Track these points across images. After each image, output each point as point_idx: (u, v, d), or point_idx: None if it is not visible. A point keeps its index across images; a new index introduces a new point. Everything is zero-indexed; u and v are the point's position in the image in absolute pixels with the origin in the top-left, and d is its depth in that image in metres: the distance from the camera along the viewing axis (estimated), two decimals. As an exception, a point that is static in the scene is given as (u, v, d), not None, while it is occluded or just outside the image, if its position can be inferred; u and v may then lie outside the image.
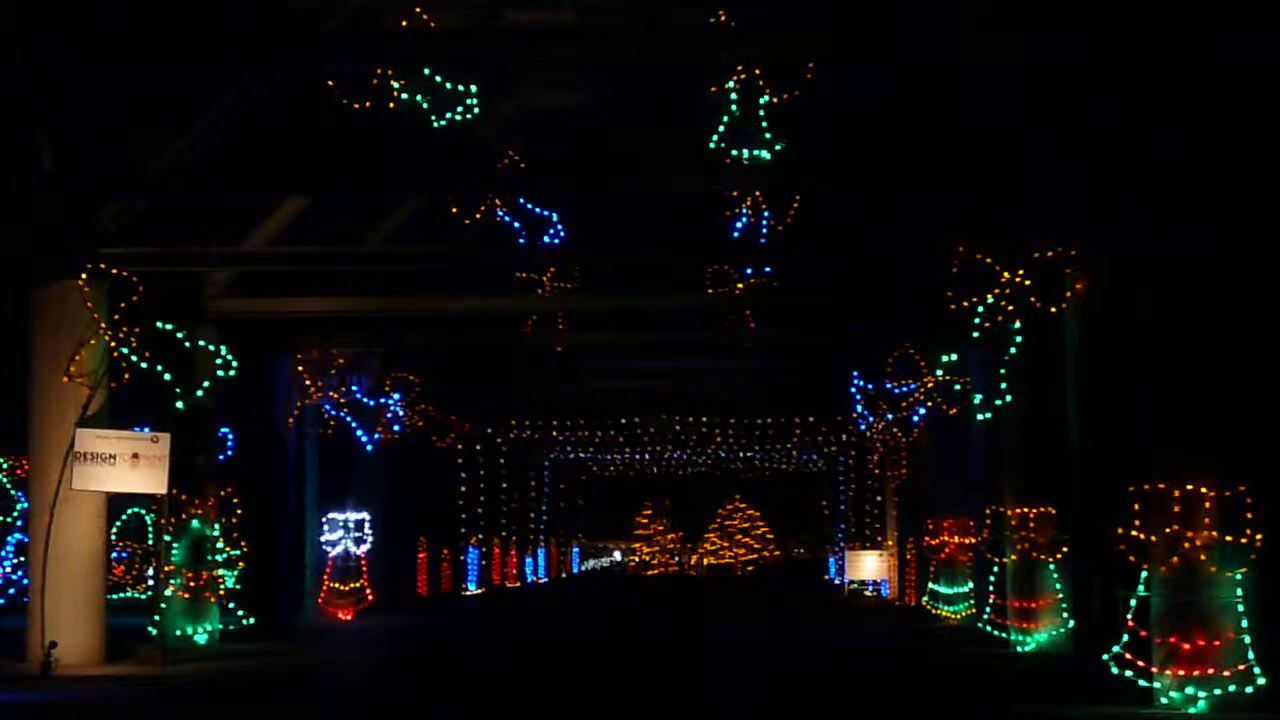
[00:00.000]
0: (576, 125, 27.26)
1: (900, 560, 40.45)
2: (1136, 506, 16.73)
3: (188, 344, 22.50)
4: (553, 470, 68.33)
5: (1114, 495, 18.48)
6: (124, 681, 20.11)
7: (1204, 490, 16.33)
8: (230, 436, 26.75)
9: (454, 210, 28.09)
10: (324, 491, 33.94)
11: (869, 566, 44.28)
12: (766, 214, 26.83)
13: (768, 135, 20.98)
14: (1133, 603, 17.01)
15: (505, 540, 56.69)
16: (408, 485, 38.67)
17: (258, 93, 21.72)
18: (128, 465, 21.57)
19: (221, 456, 26.62)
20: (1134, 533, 16.74)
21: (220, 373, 23.36)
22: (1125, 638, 17.04)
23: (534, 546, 64.69)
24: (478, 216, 28.00)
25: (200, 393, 22.90)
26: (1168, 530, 16.41)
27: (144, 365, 21.83)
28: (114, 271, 21.61)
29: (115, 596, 36.51)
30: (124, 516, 37.77)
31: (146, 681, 20.19)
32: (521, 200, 28.09)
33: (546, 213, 28.29)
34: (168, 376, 22.15)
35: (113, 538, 38.36)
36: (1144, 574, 16.76)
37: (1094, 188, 19.38)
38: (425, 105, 21.23)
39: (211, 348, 23.44)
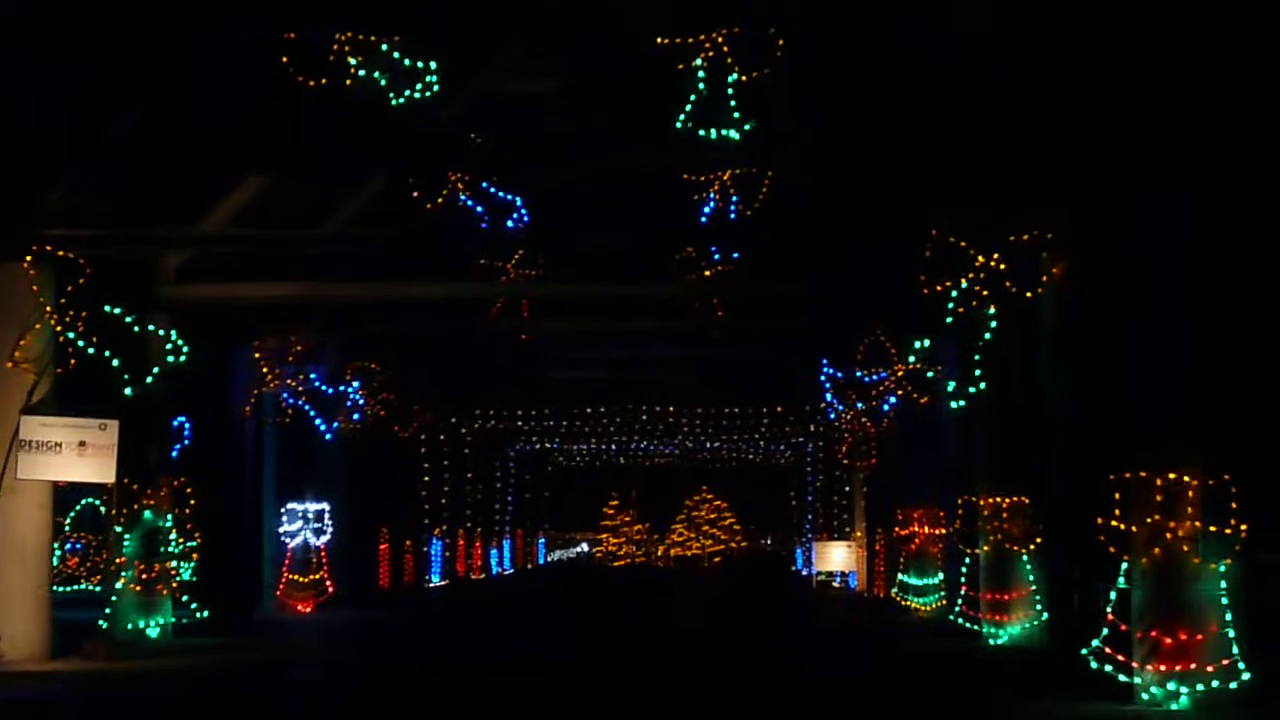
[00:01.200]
0: (541, 109, 26.59)
1: (869, 551, 40.08)
2: (1117, 496, 16.23)
3: (136, 329, 21.72)
4: (518, 461, 67.77)
5: (1093, 485, 18.01)
6: (68, 678, 19.43)
7: (1187, 479, 15.87)
8: (187, 426, 26.08)
9: (415, 194, 27.34)
10: (283, 482, 33.26)
11: (837, 558, 43.98)
12: (735, 198, 26.24)
13: (736, 115, 20.32)
14: (1113, 595, 16.51)
15: (470, 531, 56.12)
16: (369, 476, 37.98)
17: (215, 66, 21.01)
18: (74, 454, 20.94)
19: (178, 446, 25.96)
20: (1114, 523, 16.25)
21: (170, 359, 22.60)
22: (1105, 631, 16.54)
23: (499, 538, 64.18)
24: (439, 201, 27.25)
25: (150, 380, 22.09)
26: (1149, 521, 15.94)
27: (91, 351, 21.10)
28: (60, 254, 20.90)
29: (68, 589, 35.99)
30: (78, 507, 37.05)
31: (92, 677, 19.53)
32: (484, 185, 27.39)
33: (510, 197, 27.59)
34: (115, 363, 21.41)
35: (66, 528, 37.81)
36: (1125, 566, 16.26)
37: (1072, 164, 18.86)
38: (383, 82, 20.49)
39: (161, 333, 22.67)
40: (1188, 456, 15.95)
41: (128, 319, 21.63)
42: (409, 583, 44.30)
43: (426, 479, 47.18)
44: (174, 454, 25.79)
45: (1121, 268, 17.39)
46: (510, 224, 27.50)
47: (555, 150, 23.32)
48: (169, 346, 22.69)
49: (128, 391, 21.80)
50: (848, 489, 45.16)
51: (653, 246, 27.06)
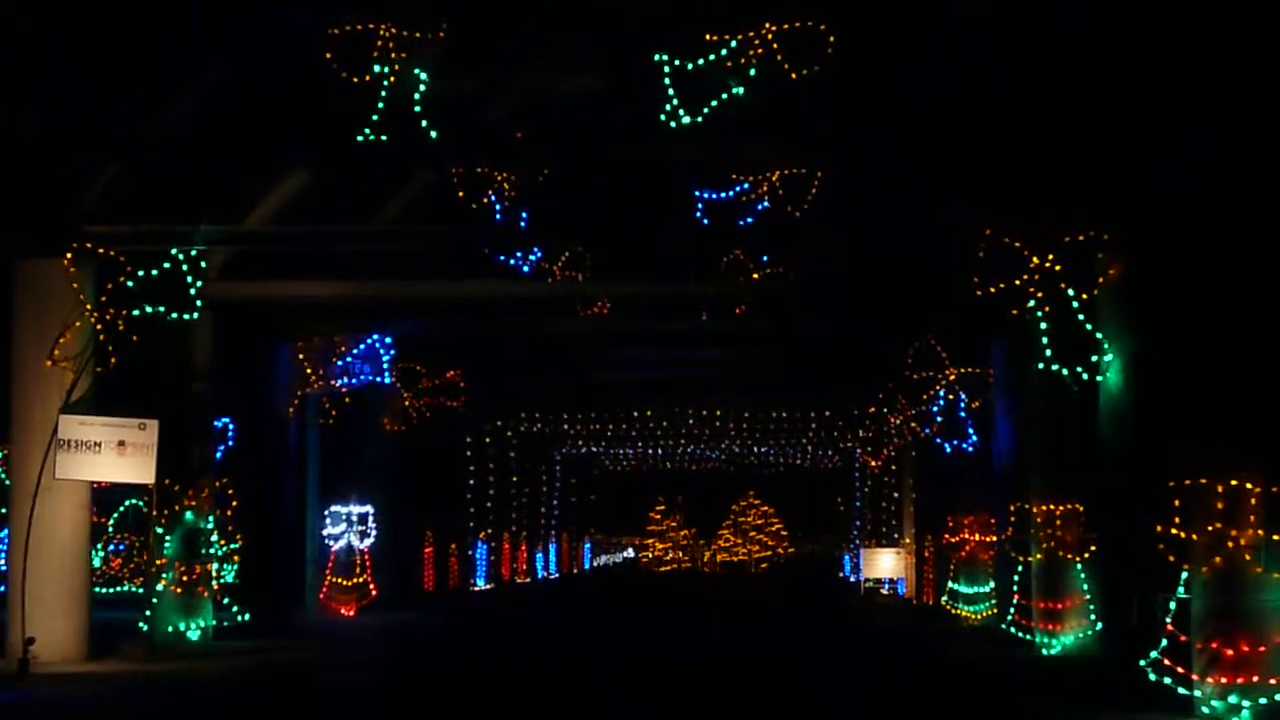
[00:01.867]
0: (585, 108, 26.25)
1: (918, 558, 39.60)
2: (1177, 503, 15.76)
3: (177, 328, 21.44)
4: (564, 464, 67.46)
5: (1150, 491, 17.54)
6: (105, 680, 19.21)
7: (1249, 486, 15.41)
8: (231, 427, 25.93)
9: (460, 194, 27.03)
10: (327, 484, 33.01)
11: (886, 565, 43.46)
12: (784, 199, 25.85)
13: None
14: (1172, 605, 16.03)
15: (515, 535, 55.84)
16: (414, 478, 37.72)
17: (256, 61, 20.78)
18: (114, 453, 20.71)
19: (222, 448, 25.80)
20: (1174, 531, 15.76)
21: (212, 359, 22.34)
22: (1164, 642, 16.06)
23: (545, 542, 63.87)
24: (485, 200, 26.95)
25: (191, 379, 21.82)
26: (1210, 529, 15.48)
27: (131, 349, 20.86)
28: (100, 251, 20.68)
29: (111, 590, 35.87)
30: (122, 508, 36.90)
31: (129, 680, 19.31)
32: (526, 185, 27.06)
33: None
34: (155, 361, 21.16)
35: (110, 530, 37.69)
36: (1184, 575, 15.78)
37: (1125, 164, 18.44)
38: (425, 78, 20.21)
39: (200, 332, 22.39)
40: (1249, 462, 15.47)
41: (170, 317, 21.33)
42: (454, 586, 44.04)
43: (472, 482, 46.88)
44: (218, 455, 25.69)
45: (1177, 269, 16.94)
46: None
47: (595, 149, 22.86)
48: (210, 345, 22.37)
49: (167, 391, 21.50)
50: (896, 494, 44.67)
51: (701, 248, 26.65)
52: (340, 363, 29.48)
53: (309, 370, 29.01)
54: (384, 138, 20.27)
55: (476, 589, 47.11)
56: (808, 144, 21.48)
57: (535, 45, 23.41)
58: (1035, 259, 20.01)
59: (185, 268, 22.07)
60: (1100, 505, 21.33)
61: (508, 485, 53.28)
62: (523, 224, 25.75)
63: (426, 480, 39.65)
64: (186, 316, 21.59)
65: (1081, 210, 20.11)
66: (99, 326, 20.76)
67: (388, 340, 30.94)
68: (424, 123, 20.42)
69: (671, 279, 27.26)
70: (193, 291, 21.37)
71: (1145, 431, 19.20)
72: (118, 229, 21.08)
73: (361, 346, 30.30)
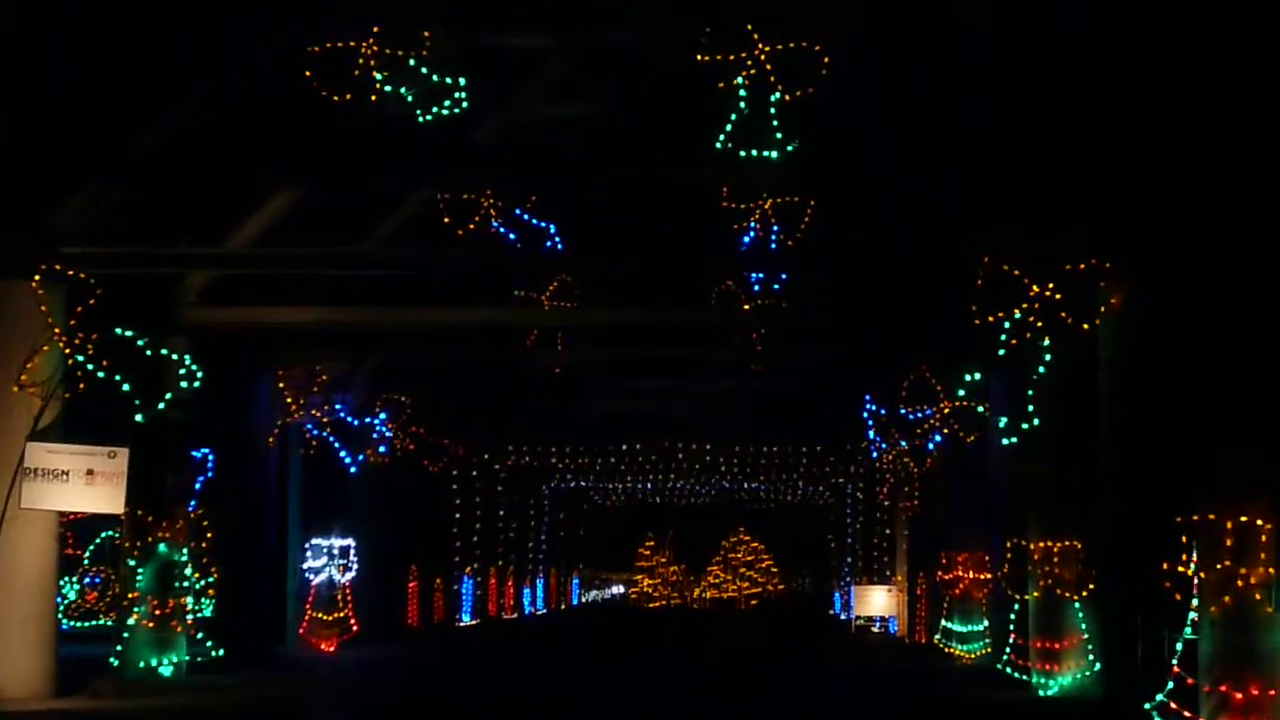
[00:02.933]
0: (578, 131, 25.74)
1: (910, 596, 39.01)
2: (1185, 539, 15.17)
3: (150, 353, 20.79)
4: (552, 499, 66.83)
5: (1154, 527, 16.97)
6: (70, 717, 18.49)
7: (1260, 522, 14.84)
8: (211, 458, 25.29)
9: (446, 220, 26.49)
10: (309, 516, 32.32)
11: (877, 602, 42.92)
12: (776, 228, 25.36)
13: (779, 135, 19.41)
14: (1179, 646, 15.41)
15: (502, 570, 55.17)
16: (398, 511, 37.10)
17: (237, 79, 20.23)
18: (82, 482, 20.06)
19: (201, 478, 25.14)
20: (1181, 568, 15.17)
21: (184, 384, 21.70)
22: (1170, 684, 15.44)
23: (532, 577, 63.21)
24: (471, 226, 26.42)
25: (162, 405, 21.15)
26: (1219, 566, 14.92)
27: (101, 375, 20.21)
28: (71, 273, 20.05)
29: (87, 625, 35.11)
30: (98, 540, 36.20)
31: (95, 717, 18.57)
32: (517, 211, 26.54)
33: (544, 224, 26.75)
34: (127, 387, 20.50)
35: (85, 562, 37.01)
36: (1192, 614, 15.17)
37: (1132, 190, 17.95)
38: (410, 98, 19.67)
39: (175, 357, 21.75)
40: (1260, 498, 14.90)
41: (140, 341, 20.68)
42: (438, 621, 43.39)
43: (458, 515, 46.24)
44: (197, 485, 25.06)
45: (1183, 297, 16.43)
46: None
47: (592, 170, 22.37)
48: (183, 371, 21.74)
49: (139, 418, 20.85)
50: (888, 531, 44.10)
51: (692, 276, 26.14)
52: (321, 392, 28.80)
53: (290, 399, 28.37)
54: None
55: (461, 624, 46.42)
56: (806, 166, 20.95)
57: (528, 68, 22.90)
58: (1035, 287, 19.46)
59: (162, 291, 21.50)
60: (1101, 542, 20.72)
61: (495, 519, 52.65)
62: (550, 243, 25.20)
63: (411, 513, 39.02)
64: (164, 350, 20.96)
65: (1081, 238, 19.60)
66: (68, 351, 20.10)
67: (369, 369, 30.29)
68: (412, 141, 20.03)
69: (661, 306, 26.64)
70: (163, 314, 20.68)
71: (1150, 465, 18.64)
72: (90, 250, 20.45)
73: (343, 375, 29.63)
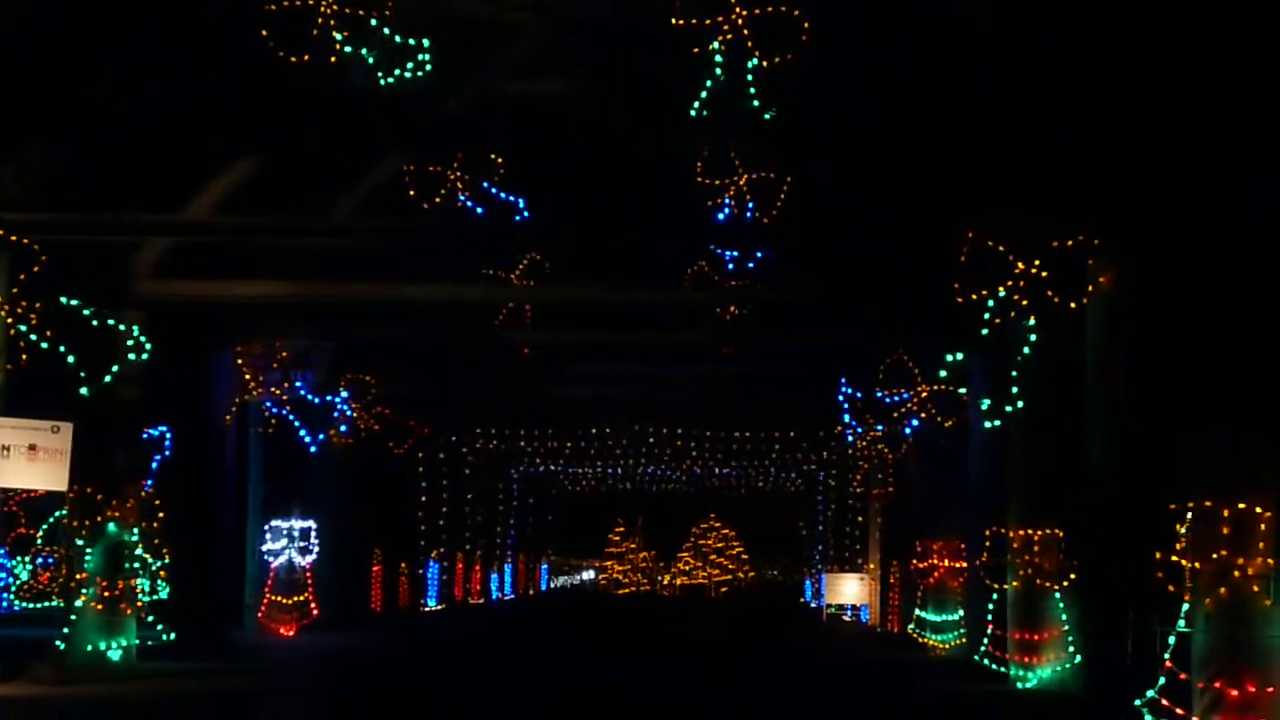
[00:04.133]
0: (549, 104, 24.95)
1: (883, 584, 38.38)
2: (1179, 528, 14.44)
3: (97, 324, 19.91)
4: (521, 483, 66.06)
5: (1141, 515, 16.26)
6: (5, 703, 17.62)
7: (1259, 510, 14.13)
8: (169, 436, 24.54)
9: (412, 193, 25.66)
10: (269, 497, 31.47)
11: (849, 590, 42.36)
12: (750, 204, 24.63)
13: (756, 103, 18.62)
14: (1171, 639, 14.68)
15: (469, 555, 54.38)
16: (362, 493, 36.27)
17: (192, 34, 19.38)
18: (23, 458, 19.26)
19: (158, 457, 24.37)
20: (1174, 558, 14.44)
21: (132, 357, 20.82)
22: (1162, 680, 14.71)
23: (500, 562, 62.47)
24: (437, 200, 25.59)
25: (109, 379, 20.28)
26: (1215, 556, 14.18)
27: (45, 346, 19.32)
28: (14, 239, 19.16)
29: (39, 606, 34.25)
30: (52, 519, 35.24)
31: (31, 704, 17.80)
32: (485, 184, 25.72)
33: (512, 198, 25.94)
34: (71, 360, 19.62)
35: (38, 541, 36.14)
36: (1185, 606, 14.44)
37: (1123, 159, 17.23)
38: (371, 60, 18.81)
39: (123, 328, 20.87)
40: (1260, 485, 14.17)
41: (86, 312, 19.79)
42: (403, 606, 42.61)
43: (424, 499, 45.44)
44: (154, 464, 24.29)
45: (1178, 276, 15.72)
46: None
47: (561, 139, 21.59)
48: (131, 343, 20.85)
49: (84, 391, 19.97)
50: (861, 519, 43.51)
51: (664, 253, 25.37)
52: (281, 369, 27.94)
53: (248, 376, 27.53)
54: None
55: (427, 609, 45.66)
56: (776, 138, 20.18)
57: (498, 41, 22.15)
58: (1021, 264, 18.72)
59: (113, 262, 20.65)
60: (1085, 530, 20.00)
61: (462, 503, 51.85)
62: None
63: (375, 496, 38.22)
64: (111, 321, 20.08)
65: (1068, 213, 18.86)
66: (9, 320, 19.23)
67: (331, 346, 29.43)
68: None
69: (633, 284, 25.87)
70: (113, 284, 19.81)
71: (1139, 451, 17.93)
72: (34, 216, 19.56)
73: (304, 353, 28.77)
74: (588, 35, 22.29)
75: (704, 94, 18.90)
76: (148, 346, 21.17)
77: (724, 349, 31.25)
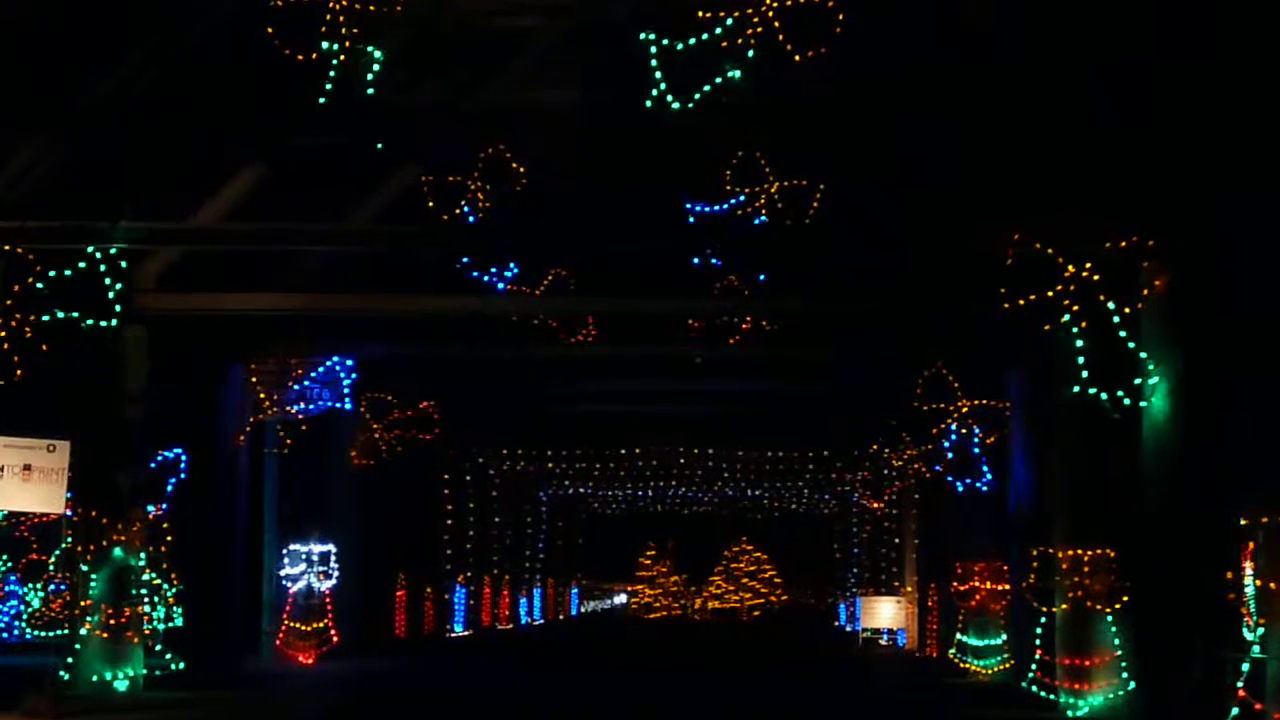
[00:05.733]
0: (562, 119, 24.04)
1: (920, 608, 37.30)
2: (1251, 545, 13.33)
3: (97, 339, 18.99)
4: (550, 506, 65.13)
5: (1204, 532, 15.19)
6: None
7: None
8: (184, 458, 23.66)
9: (430, 205, 24.74)
10: (288, 520, 30.53)
11: (885, 614, 41.43)
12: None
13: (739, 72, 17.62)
14: (1245, 667, 13.57)
15: (497, 579, 53.40)
16: (385, 516, 35.32)
17: (191, 30, 18.51)
18: (18, 479, 18.29)
19: (173, 479, 23.47)
20: (1247, 578, 13.34)
21: (148, 377, 19.92)
22: (1235, 711, 13.59)
23: (529, 587, 61.51)
24: (457, 212, 24.67)
25: (112, 397, 19.37)
26: (1290, 576, 13.06)
27: (41, 360, 18.45)
28: (6, 247, 18.25)
29: (50, 635, 33.30)
30: (65, 544, 34.36)
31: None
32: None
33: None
34: (69, 375, 18.74)
35: (51, 568, 35.31)
36: (1259, 631, 13.35)
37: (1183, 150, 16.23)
38: (378, 55, 17.92)
39: (122, 341, 19.95)
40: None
41: (84, 324, 18.86)
42: (429, 632, 41.66)
43: (450, 522, 44.49)
44: (170, 487, 23.44)
45: (1237, 278, 14.69)
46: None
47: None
48: (129, 358, 19.92)
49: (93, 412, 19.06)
50: (897, 540, 42.47)
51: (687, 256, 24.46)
52: (296, 386, 26.97)
53: (262, 394, 26.56)
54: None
55: (453, 635, 44.67)
56: (808, 137, 19.21)
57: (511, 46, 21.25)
58: (1071, 268, 17.64)
59: (104, 269, 19.73)
60: (1140, 549, 18.89)
61: (489, 526, 50.88)
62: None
63: (400, 519, 37.27)
64: (104, 324, 19.13)
65: (1123, 214, 17.80)
66: (2, 333, 18.29)
67: (350, 363, 28.44)
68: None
69: (656, 293, 24.93)
70: (112, 296, 18.88)
71: (1198, 462, 16.82)
72: (26, 224, 18.62)
73: (321, 369, 27.78)
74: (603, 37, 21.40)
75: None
76: (148, 362, 20.21)
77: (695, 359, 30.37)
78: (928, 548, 36.47)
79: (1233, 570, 13.59)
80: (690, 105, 17.56)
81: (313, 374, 27.80)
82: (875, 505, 45.54)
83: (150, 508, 22.83)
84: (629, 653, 40.96)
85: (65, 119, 18.44)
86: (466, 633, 46.29)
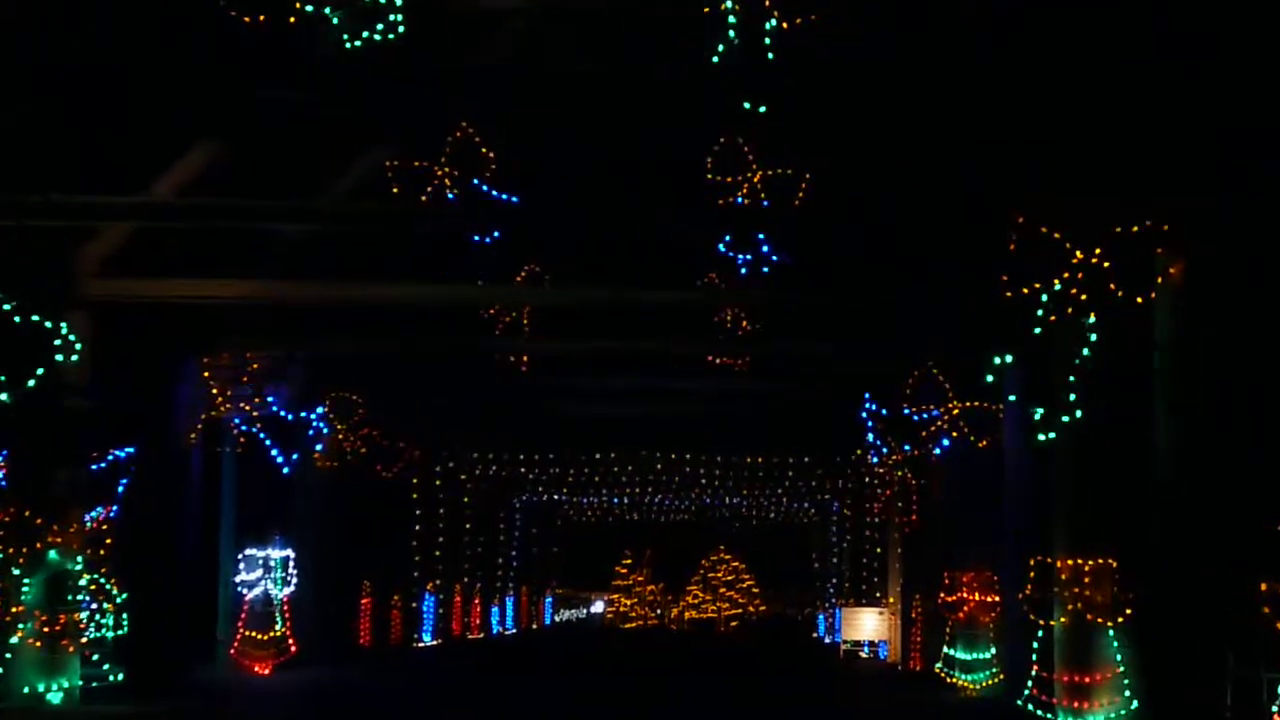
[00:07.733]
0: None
1: (904, 619, 36.07)
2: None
3: (17, 319, 17.65)
4: (524, 513, 63.82)
5: (1225, 541, 13.95)
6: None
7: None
8: (133, 456, 22.40)
9: (395, 190, 23.47)
10: (244, 524, 29.11)
11: (867, 626, 40.31)
12: (765, 202, 22.60)
13: (771, 56, 16.40)
14: (1280, 688, 12.39)
15: (468, 587, 52.04)
16: (349, 520, 33.98)
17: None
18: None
19: (124, 480, 22.20)
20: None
21: (59, 357, 18.56)
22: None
23: (501, 595, 60.18)
24: (424, 199, 23.42)
25: (32, 383, 18.00)
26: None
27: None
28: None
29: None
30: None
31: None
32: (475, 181, 23.58)
33: (505, 196, 23.79)
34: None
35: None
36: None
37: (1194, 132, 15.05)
38: (335, 21, 16.58)
39: (49, 326, 18.61)
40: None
41: (5, 306, 17.52)
42: (396, 641, 40.33)
43: (418, 527, 43.14)
44: (120, 488, 22.20)
45: (1262, 266, 13.51)
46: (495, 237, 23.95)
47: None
48: (58, 343, 18.58)
49: (4, 397, 17.69)
50: (880, 549, 41.27)
51: (670, 242, 23.30)
52: (251, 383, 25.63)
53: (215, 390, 25.21)
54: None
55: (421, 645, 43.33)
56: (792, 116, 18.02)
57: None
58: (1079, 254, 16.39)
59: (55, 257, 18.45)
60: (1151, 558, 17.67)
61: (460, 532, 49.54)
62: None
63: (364, 523, 35.92)
64: (40, 310, 17.80)
65: (1136, 198, 16.60)
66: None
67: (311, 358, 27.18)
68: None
69: (636, 285, 23.77)
70: (50, 279, 17.57)
71: (1215, 467, 15.61)
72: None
73: (281, 364, 26.48)
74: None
75: (715, 58, 16.71)
76: (77, 348, 18.88)
77: (735, 364, 29.34)
78: (913, 557, 35.29)
79: (1267, 582, 12.38)
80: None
81: (272, 369, 26.49)
82: (855, 512, 44.49)
83: (100, 509, 21.61)
84: (601, 664, 39.67)
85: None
86: (435, 642, 44.99)
